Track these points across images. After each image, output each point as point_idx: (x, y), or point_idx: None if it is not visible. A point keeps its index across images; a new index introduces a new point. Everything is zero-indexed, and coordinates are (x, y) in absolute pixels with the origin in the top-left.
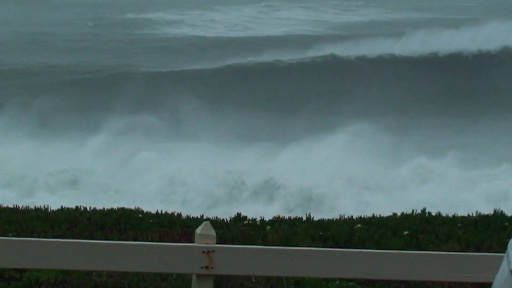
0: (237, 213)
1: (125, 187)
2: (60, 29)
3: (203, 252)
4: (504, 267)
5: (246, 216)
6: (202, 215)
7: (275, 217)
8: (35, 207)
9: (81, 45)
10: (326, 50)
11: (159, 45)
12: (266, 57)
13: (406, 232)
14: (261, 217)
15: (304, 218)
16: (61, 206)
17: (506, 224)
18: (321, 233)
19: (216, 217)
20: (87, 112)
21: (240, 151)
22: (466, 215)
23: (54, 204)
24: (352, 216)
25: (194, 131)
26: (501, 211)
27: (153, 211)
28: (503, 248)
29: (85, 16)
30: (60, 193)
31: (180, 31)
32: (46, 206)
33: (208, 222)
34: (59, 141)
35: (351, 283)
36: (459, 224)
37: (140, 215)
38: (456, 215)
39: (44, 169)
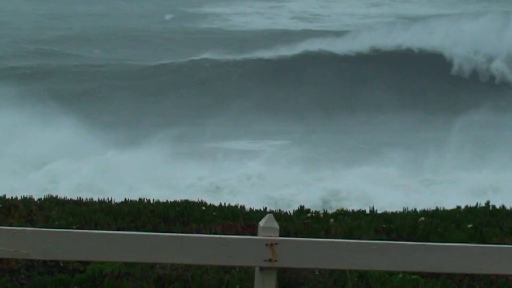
0: (300, 206)
1: None
2: (141, 22)
3: (266, 245)
4: None
5: (310, 209)
6: (265, 208)
7: (338, 209)
8: (98, 199)
9: (167, 38)
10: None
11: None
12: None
13: (469, 225)
14: (324, 210)
15: (368, 211)
16: (125, 199)
17: None
18: (384, 226)
19: (279, 209)
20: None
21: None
22: None
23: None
24: (415, 209)
25: None
26: None
27: (216, 204)
28: None
29: (163, 9)
30: None
31: (251, 22)
32: (109, 199)
33: (271, 214)
34: None
35: (414, 276)
36: None
37: (204, 208)
38: None
39: None
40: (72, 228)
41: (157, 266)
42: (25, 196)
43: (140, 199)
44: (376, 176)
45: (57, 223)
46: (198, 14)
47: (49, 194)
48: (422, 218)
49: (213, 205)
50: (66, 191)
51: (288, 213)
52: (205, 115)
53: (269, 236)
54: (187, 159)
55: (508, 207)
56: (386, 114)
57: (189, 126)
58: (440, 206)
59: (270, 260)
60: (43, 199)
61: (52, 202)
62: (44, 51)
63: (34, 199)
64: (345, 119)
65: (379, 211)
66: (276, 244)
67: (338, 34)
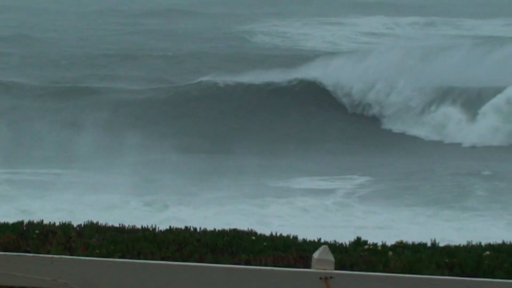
0: (357, 237)
1: None
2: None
3: (320, 278)
4: None
5: (367, 241)
6: (320, 239)
7: (397, 242)
8: (142, 227)
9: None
10: None
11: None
12: None
13: None
14: (382, 242)
15: (429, 244)
16: (170, 226)
17: None
18: (447, 260)
19: (335, 240)
20: None
21: None
22: None
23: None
24: (480, 243)
25: None
26: None
27: (267, 233)
28: None
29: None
30: None
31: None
32: (153, 226)
33: (326, 246)
34: None
35: None
36: None
37: (253, 237)
38: None
39: None
40: (114, 257)
41: None
42: (63, 221)
43: (186, 227)
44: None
45: (97, 251)
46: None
47: (89, 220)
48: (487, 253)
49: (264, 234)
50: None
51: (344, 245)
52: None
53: (324, 269)
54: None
55: None
56: None
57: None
58: (507, 240)
59: None
60: (82, 225)
61: (92, 229)
62: None
63: (73, 225)
64: None
65: (441, 244)
66: (330, 277)
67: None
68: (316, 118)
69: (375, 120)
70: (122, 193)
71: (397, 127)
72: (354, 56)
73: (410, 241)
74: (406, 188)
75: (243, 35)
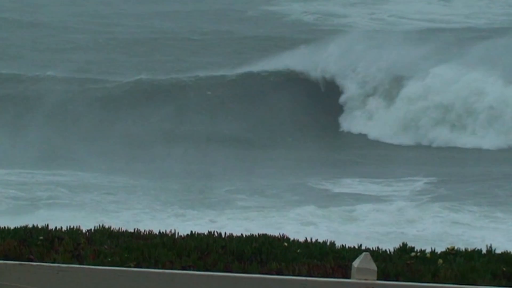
0: (402, 243)
1: None
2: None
3: None
4: None
5: (414, 247)
6: (360, 245)
7: (448, 248)
8: (159, 232)
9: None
10: None
11: None
12: None
13: None
14: (432, 248)
15: (484, 250)
16: (191, 231)
17: None
18: (504, 269)
19: (377, 247)
20: None
21: None
22: None
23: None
24: None
25: None
26: None
27: (301, 239)
28: None
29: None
30: None
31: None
32: (172, 231)
33: (367, 253)
34: None
35: None
36: None
37: (286, 244)
38: None
39: None
40: (128, 266)
41: None
42: (71, 226)
43: (209, 232)
44: None
45: (109, 259)
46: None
47: (101, 225)
48: None
49: (297, 240)
50: None
51: (388, 252)
52: None
53: (365, 279)
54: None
55: None
56: None
57: None
58: None
59: None
60: (93, 230)
61: (103, 234)
62: None
63: (82, 230)
64: None
65: (497, 251)
66: None
67: None
68: None
69: None
70: None
71: None
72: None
73: (463, 248)
74: (471, 193)
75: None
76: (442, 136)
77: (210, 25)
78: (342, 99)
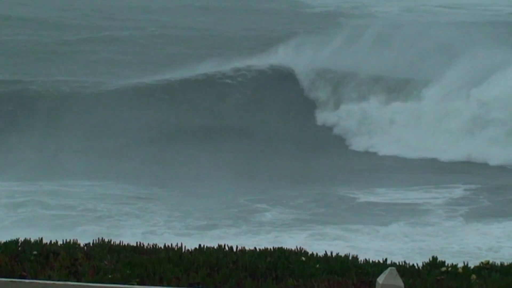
0: (432, 257)
1: None
2: None
3: None
4: None
5: (445, 262)
6: (385, 259)
7: (482, 262)
8: (165, 246)
9: None
10: None
11: None
12: None
13: None
14: (464, 263)
15: None
16: (199, 245)
17: None
18: None
19: (404, 261)
20: None
21: None
22: None
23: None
24: None
25: None
26: None
27: (321, 253)
28: None
29: None
30: None
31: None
32: (179, 245)
33: (393, 269)
34: None
35: None
36: None
37: (303, 258)
38: None
39: None
40: (131, 284)
41: None
42: (67, 240)
43: (219, 246)
44: None
45: (110, 276)
46: None
47: (100, 239)
48: None
49: (316, 254)
50: None
51: (416, 267)
52: None
53: None
54: None
55: None
56: None
57: None
58: None
59: None
60: (91, 244)
61: (103, 249)
62: None
63: (79, 244)
64: None
65: None
66: None
67: None
68: None
69: None
70: None
71: None
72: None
73: (498, 262)
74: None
75: None
76: None
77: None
78: None
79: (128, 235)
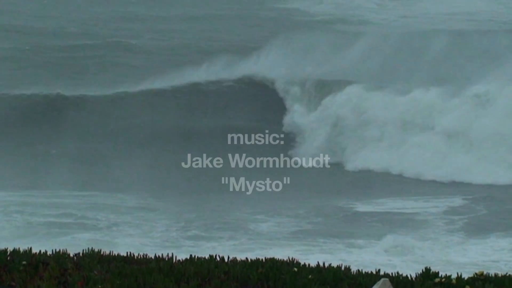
0: (425, 268)
1: None
2: None
3: None
4: None
5: (438, 273)
6: (378, 270)
7: (476, 274)
8: (155, 256)
9: None
10: None
11: None
12: None
13: None
14: (458, 274)
15: None
16: (190, 256)
17: None
18: None
19: (397, 272)
20: None
21: None
22: None
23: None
24: None
25: None
26: None
27: (313, 263)
28: None
29: None
30: None
31: None
32: (169, 255)
33: (386, 279)
34: None
35: None
36: None
37: (295, 269)
38: None
39: None
40: None
41: None
42: (57, 250)
43: (211, 256)
44: None
45: (100, 286)
46: None
47: (90, 249)
48: None
49: (309, 265)
50: None
51: (409, 277)
52: None
53: None
54: None
55: None
56: None
57: None
58: None
59: None
60: (81, 254)
61: (93, 259)
62: None
63: (69, 254)
64: None
65: None
66: None
67: None
68: None
69: None
70: None
71: None
72: None
73: (492, 273)
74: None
75: None
76: None
77: None
78: None
79: (122, 245)
